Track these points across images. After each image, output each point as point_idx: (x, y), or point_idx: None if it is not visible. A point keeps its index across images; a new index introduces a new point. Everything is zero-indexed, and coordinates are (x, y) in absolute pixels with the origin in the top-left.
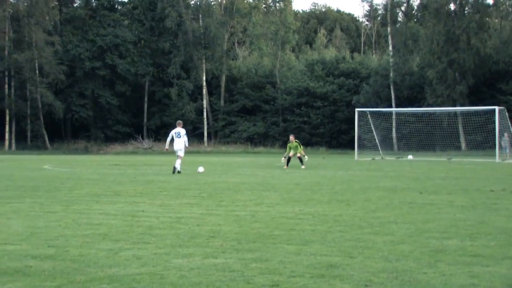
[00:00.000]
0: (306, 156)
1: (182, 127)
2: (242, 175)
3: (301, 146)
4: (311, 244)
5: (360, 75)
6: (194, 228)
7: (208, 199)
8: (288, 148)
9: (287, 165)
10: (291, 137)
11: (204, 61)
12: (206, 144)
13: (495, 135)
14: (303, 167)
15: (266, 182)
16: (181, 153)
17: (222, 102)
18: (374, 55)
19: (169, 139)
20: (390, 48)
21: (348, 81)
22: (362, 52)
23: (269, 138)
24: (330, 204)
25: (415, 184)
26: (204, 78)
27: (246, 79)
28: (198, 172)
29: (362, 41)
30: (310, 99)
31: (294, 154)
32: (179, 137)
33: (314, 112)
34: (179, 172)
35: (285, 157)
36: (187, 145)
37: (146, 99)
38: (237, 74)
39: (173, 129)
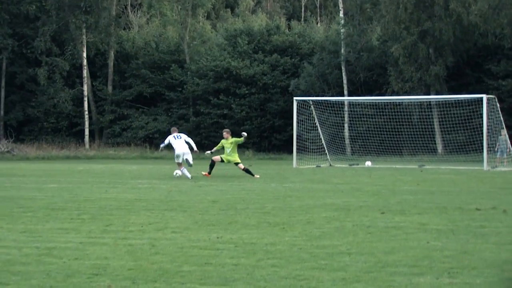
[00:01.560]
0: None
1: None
2: (138, 189)
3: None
4: (234, 284)
5: (300, 52)
6: (71, 263)
7: (91, 222)
8: (220, 145)
9: (210, 172)
10: (226, 133)
11: (84, 31)
12: (87, 146)
13: (482, 133)
14: (257, 176)
15: (172, 199)
16: (189, 157)
17: (109, 88)
18: (319, 24)
19: (166, 142)
20: (341, 14)
21: (284, 59)
22: (303, 20)
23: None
24: (259, 228)
25: (375, 200)
26: (84, 54)
27: (144, 57)
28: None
29: (303, 4)
30: (232, 84)
31: (229, 161)
32: (179, 138)
33: (237, 102)
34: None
35: (212, 152)
36: (195, 148)
37: (2, 83)
38: (130, 49)
39: (168, 136)
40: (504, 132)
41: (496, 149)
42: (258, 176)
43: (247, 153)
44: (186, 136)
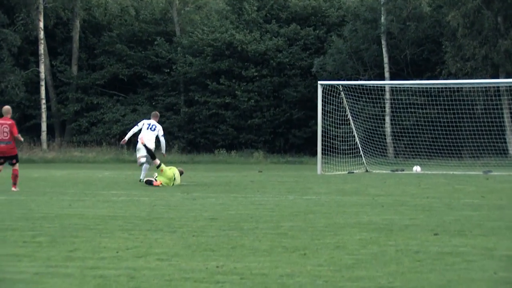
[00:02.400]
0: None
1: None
2: (112, 203)
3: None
4: None
5: (327, 21)
6: None
7: (50, 246)
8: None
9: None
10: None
11: None
12: (44, 145)
13: None
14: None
15: (157, 216)
16: (141, 156)
17: (74, 69)
18: None
19: (134, 129)
20: None
21: (305, 30)
22: None
23: (164, 134)
24: (272, 254)
25: (425, 218)
26: (41, 25)
27: (119, 28)
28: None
29: None
30: (236, 64)
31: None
32: (152, 130)
33: (243, 87)
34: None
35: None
36: (163, 150)
37: None
38: (102, 17)
39: (143, 120)
40: None
41: None
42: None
43: (256, 155)
44: (161, 131)
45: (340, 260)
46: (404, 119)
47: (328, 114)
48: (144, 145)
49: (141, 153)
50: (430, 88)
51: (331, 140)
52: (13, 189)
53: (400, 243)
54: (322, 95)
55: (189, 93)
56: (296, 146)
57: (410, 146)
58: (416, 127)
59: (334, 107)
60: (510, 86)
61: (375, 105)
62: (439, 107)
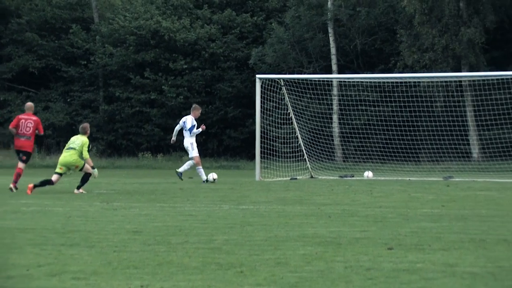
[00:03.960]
0: (95, 170)
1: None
2: (21, 214)
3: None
4: None
5: (266, 7)
6: None
7: None
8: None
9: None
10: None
11: None
12: None
13: None
14: (79, 191)
15: (73, 229)
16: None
17: None
18: None
19: (177, 128)
20: None
21: (241, 17)
22: None
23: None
24: (204, 272)
25: (378, 230)
26: None
27: (29, 13)
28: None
29: None
30: (163, 55)
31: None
32: (186, 130)
33: (171, 81)
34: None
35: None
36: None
37: None
38: (9, 2)
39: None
40: None
41: None
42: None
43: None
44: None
45: (281, 279)
46: (354, 118)
47: (268, 112)
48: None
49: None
50: (384, 82)
51: (271, 142)
52: (11, 185)
53: (350, 259)
54: (261, 91)
55: (109, 89)
56: (231, 149)
57: (361, 148)
58: (368, 127)
59: (274, 104)
60: (473, 80)
61: (321, 102)
62: (393, 104)
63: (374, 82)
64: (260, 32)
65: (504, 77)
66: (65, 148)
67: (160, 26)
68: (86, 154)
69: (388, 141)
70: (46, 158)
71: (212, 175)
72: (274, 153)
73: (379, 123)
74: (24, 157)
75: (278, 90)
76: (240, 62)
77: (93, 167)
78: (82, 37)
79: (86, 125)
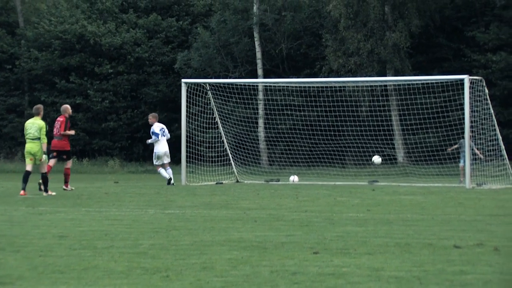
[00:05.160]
0: (45, 156)
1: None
2: None
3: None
4: None
5: (191, 11)
6: None
7: None
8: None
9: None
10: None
11: None
12: None
13: (463, 132)
14: (47, 193)
15: None
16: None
17: None
18: None
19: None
20: None
21: (167, 21)
22: None
23: (6, 140)
24: (130, 277)
25: (304, 234)
26: None
27: None
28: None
29: None
30: (88, 59)
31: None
32: (164, 135)
33: (96, 86)
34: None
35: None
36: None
37: None
38: None
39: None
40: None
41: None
42: (53, 193)
43: (111, 164)
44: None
45: (207, 283)
46: (279, 122)
47: (194, 117)
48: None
49: (161, 161)
50: (309, 87)
51: (197, 147)
52: (64, 187)
53: (276, 263)
54: (187, 95)
55: (34, 93)
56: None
57: (287, 153)
58: (293, 131)
59: (200, 109)
60: (399, 85)
61: (247, 106)
62: (319, 108)
63: (300, 86)
64: (185, 37)
65: (429, 81)
66: (27, 137)
67: (85, 30)
68: (43, 138)
69: (314, 146)
70: None
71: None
72: (200, 157)
73: (305, 127)
74: (65, 156)
75: (204, 95)
76: (166, 66)
77: (44, 153)
78: (7, 41)
79: (40, 106)
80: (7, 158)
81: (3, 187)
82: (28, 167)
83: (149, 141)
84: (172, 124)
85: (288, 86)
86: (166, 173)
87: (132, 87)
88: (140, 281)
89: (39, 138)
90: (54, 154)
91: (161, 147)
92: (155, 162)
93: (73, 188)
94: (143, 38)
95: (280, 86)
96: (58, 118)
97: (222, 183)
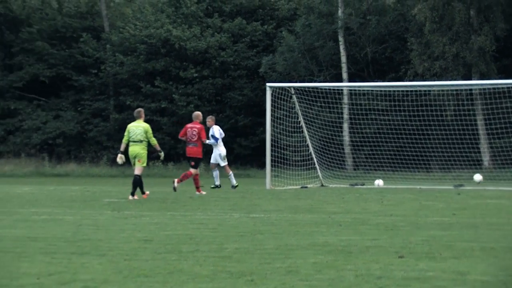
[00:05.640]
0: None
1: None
2: (31, 223)
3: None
4: None
5: (276, 15)
6: None
7: None
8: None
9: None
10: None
11: None
12: None
13: None
14: (133, 197)
15: (83, 237)
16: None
17: None
18: None
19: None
20: None
21: (252, 25)
22: None
23: (91, 144)
24: (215, 280)
25: (389, 238)
26: None
27: (40, 22)
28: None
29: None
30: (173, 64)
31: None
32: (222, 135)
33: (181, 90)
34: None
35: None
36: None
37: None
38: (20, 11)
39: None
40: None
41: None
42: (136, 197)
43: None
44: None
45: (292, 287)
46: (364, 126)
47: (278, 121)
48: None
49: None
50: (394, 91)
51: (282, 151)
52: (197, 193)
53: (360, 267)
54: (272, 99)
55: (119, 97)
56: (241, 157)
57: (371, 157)
58: (378, 135)
59: (285, 113)
60: (484, 89)
61: (332, 110)
62: (404, 112)
63: (385, 90)
64: (270, 41)
65: None
66: (131, 140)
67: (170, 34)
68: (153, 140)
69: (399, 150)
70: (56, 167)
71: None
72: (285, 161)
73: (390, 131)
74: (193, 163)
75: (288, 99)
76: (251, 70)
77: (160, 151)
78: (92, 46)
79: (140, 109)
80: (93, 162)
81: (88, 191)
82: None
83: (208, 142)
84: (257, 128)
85: (373, 90)
86: (216, 176)
87: (217, 91)
88: (225, 285)
89: (142, 141)
90: (192, 163)
91: (223, 147)
92: (222, 163)
93: (204, 192)
94: (228, 42)
95: (365, 90)
96: (192, 125)
97: (307, 187)
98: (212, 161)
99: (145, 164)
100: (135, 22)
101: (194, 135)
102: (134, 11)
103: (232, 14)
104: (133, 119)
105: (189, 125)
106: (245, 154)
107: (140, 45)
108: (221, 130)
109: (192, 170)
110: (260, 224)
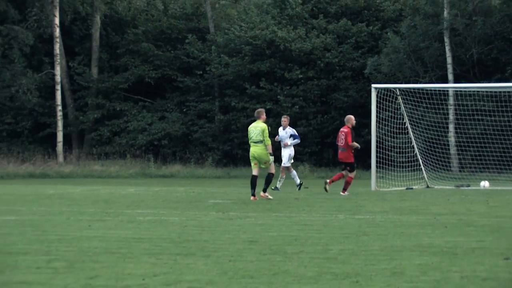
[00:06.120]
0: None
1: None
2: (137, 224)
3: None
4: None
5: (381, 16)
6: None
7: (67, 273)
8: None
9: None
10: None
11: None
12: (61, 158)
13: None
14: (265, 194)
15: (188, 238)
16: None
17: (94, 71)
18: None
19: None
20: None
21: (357, 27)
22: None
23: (196, 145)
24: (320, 282)
25: (495, 240)
26: (57, 21)
27: (146, 24)
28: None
29: None
30: (278, 65)
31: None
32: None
33: (286, 91)
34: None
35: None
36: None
37: None
38: (125, 12)
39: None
40: None
41: None
42: (270, 197)
43: (301, 169)
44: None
45: None
46: (470, 127)
47: (383, 122)
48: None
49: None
50: (500, 92)
51: (387, 152)
52: (341, 193)
53: (466, 269)
54: (377, 100)
55: (224, 98)
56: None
57: (477, 158)
58: (484, 136)
59: (390, 114)
60: None
61: (437, 111)
62: (510, 113)
63: (491, 91)
64: (375, 42)
65: None
66: (251, 140)
67: (275, 36)
68: (267, 140)
69: (505, 151)
70: (162, 168)
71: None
72: (390, 162)
73: (496, 132)
74: (348, 168)
75: (393, 100)
76: (356, 71)
77: (271, 154)
78: (198, 47)
79: (261, 109)
80: (198, 163)
81: (193, 192)
82: (254, 172)
83: (292, 142)
84: (362, 129)
85: (479, 91)
86: (295, 176)
87: (322, 92)
88: (329, 287)
89: (261, 141)
90: (343, 167)
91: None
92: (289, 163)
93: (347, 193)
94: (333, 43)
95: (471, 91)
96: (342, 129)
97: (412, 188)
98: (285, 162)
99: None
100: (240, 24)
101: (342, 139)
102: (239, 12)
103: (337, 15)
104: (253, 120)
105: (341, 129)
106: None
107: (245, 46)
108: None
109: (351, 174)
110: (365, 226)
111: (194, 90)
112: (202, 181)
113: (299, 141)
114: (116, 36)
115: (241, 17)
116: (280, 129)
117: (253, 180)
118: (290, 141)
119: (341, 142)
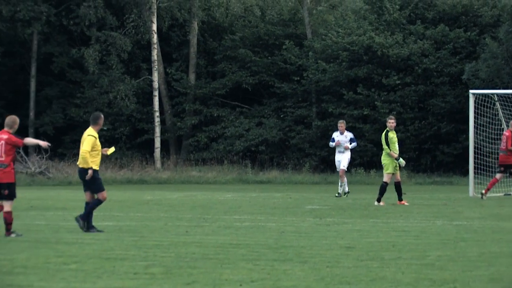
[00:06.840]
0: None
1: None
2: (234, 229)
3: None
4: None
5: (479, 21)
6: None
7: (164, 278)
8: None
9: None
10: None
11: None
12: (158, 164)
13: None
14: (379, 204)
15: (285, 244)
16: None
17: (192, 77)
18: None
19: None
20: None
21: (454, 32)
22: None
23: (293, 151)
24: None
25: None
26: (154, 27)
27: (243, 30)
28: None
29: None
30: (376, 71)
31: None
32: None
33: (383, 97)
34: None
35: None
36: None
37: (32, 71)
38: (223, 18)
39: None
40: None
41: None
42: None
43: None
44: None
45: None
46: None
47: (481, 128)
48: None
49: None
50: None
51: (485, 158)
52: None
53: None
54: (475, 106)
55: (322, 104)
56: (444, 165)
57: None
58: None
59: (488, 120)
60: None
61: None
62: None
63: None
64: (473, 47)
65: None
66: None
67: (373, 41)
68: (386, 148)
69: None
70: (259, 174)
71: None
72: (488, 168)
73: None
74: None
75: (491, 106)
76: (453, 77)
77: (396, 159)
78: (295, 53)
79: (392, 117)
80: (295, 169)
81: (290, 198)
82: (386, 178)
83: (352, 145)
84: (460, 135)
85: None
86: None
87: (420, 98)
88: None
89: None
90: (501, 169)
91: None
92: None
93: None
94: (430, 49)
95: None
96: (504, 133)
97: (510, 194)
98: (345, 165)
99: (389, 171)
100: (337, 29)
101: (505, 142)
102: (337, 18)
103: (434, 21)
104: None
105: (504, 132)
106: (448, 162)
107: (342, 52)
108: None
109: (497, 176)
110: (463, 232)
111: (291, 96)
112: (299, 187)
113: (356, 145)
114: (213, 42)
115: (338, 23)
116: (337, 133)
117: (383, 186)
118: (350, 145)
119: (503, 145)
